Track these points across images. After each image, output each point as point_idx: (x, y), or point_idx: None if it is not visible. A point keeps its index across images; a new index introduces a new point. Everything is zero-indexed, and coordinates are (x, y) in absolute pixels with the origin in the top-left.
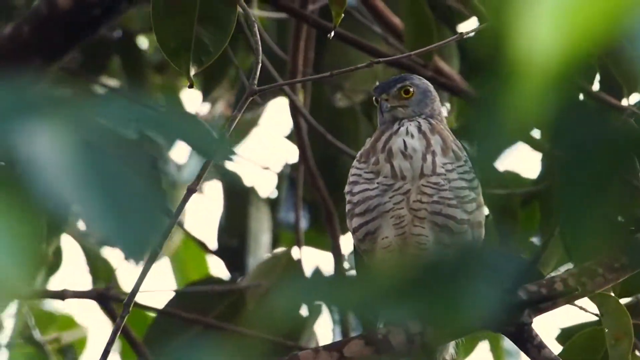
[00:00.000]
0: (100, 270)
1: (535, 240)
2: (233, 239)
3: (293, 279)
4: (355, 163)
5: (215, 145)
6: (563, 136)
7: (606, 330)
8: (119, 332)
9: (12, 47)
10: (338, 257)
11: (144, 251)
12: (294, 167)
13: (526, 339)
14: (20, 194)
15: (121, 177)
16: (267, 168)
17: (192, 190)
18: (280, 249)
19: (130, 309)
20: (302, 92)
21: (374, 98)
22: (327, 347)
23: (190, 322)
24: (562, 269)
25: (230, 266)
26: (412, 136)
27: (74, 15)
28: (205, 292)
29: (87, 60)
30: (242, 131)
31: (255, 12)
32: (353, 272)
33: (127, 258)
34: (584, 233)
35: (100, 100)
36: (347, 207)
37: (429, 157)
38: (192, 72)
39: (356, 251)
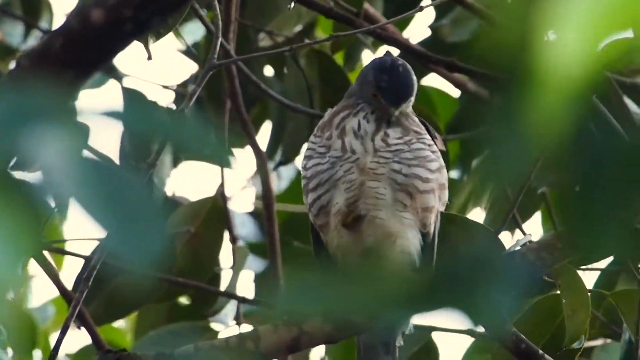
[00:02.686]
0: None
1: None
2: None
3: (294, 286)
4: (312, 137)
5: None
6: (582, 146)
7: (564, 301)
8: None
9: (42, 63)
10: (263, 170)
11: (151, 261)
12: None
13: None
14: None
15: (126, 185)
16: (167, 87)
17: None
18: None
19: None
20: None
21: (376, 96)
22: (286, 323)
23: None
24: (521, 243)
25: None
26: (368, 121)
27: (106, 30)
28: None
29: None
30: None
31: None
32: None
33: (135, 267)
34: (600, 239)
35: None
36: (302, 182)
37: (380, 137)
38: (151, 43)
39: (314, 230)
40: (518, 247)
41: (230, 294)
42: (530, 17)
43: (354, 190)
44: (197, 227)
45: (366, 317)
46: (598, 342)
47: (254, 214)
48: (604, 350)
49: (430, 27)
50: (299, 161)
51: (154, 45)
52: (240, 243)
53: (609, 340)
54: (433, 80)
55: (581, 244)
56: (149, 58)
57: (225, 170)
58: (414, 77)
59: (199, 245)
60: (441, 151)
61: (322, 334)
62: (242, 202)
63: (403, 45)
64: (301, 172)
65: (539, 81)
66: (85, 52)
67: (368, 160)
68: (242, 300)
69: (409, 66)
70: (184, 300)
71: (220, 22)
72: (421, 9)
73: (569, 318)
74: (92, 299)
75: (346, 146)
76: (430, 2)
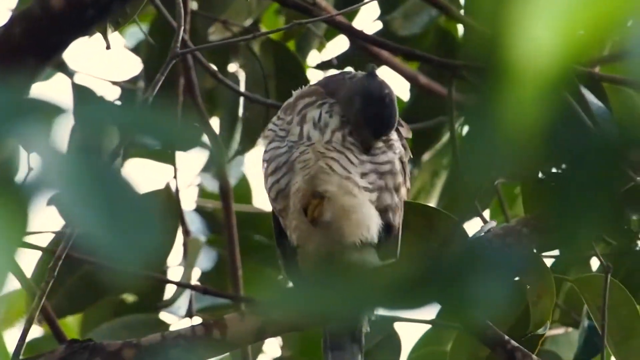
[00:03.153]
0: None
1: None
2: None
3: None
4: (274, 118)
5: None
6: (558, 139)
7: (528, 287)
8: None
9: (3, 49)
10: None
11: (141, 260)
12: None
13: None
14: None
15: (114, 182)
16: (116, 83)
17: None
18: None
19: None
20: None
21: (359, 124)
22: (252, 311)
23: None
24: (485, 229)
25: None
26: (331, 115)
27: (67, 15)
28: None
29: None
30: None
31: None
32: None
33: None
34: (581, 232)
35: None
36: (262, 165)
37: (340, 133)
38: (110, 33)
39: (275, 217)
40: (482, 234)
41: (192, 286)
42: (501, 9)
43: (309, 168)
44: None
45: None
46: (559, 330)
47: (199, 211)
48: (563, 338)
49: (382, 20)
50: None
51: (97, 42)
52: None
53: (569, 329)
54: (384, 73)
55: (560, 236)
56: (108, 47)
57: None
58: (397, 106)
59: None
60: (407, 138)
61: (288, 322)
62: (189, 198)
63: (360, 35)
64: (262, 156)
65: (511, 74)
66: (46, 38)
67: (322, 145)
68: (204, 291)
69: (394, 94)
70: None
71: (182, 11)
72: None
73: (533, 304)
74: (53, 292)
75: (303, 134)
76: None
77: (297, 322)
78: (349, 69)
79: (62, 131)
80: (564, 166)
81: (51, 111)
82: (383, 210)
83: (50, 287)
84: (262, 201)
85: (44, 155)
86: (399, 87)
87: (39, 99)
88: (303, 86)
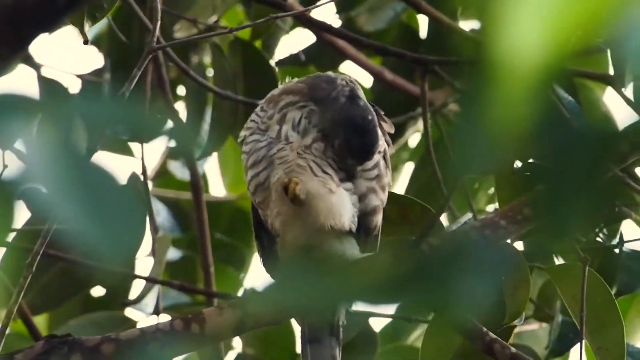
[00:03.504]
0: None
1: None
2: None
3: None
4: (258, 108)
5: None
6: (544, 135)
7: (503, 279)
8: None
9: None
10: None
11: (126, 253)
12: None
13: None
14: None
15: (99, 177)
16: (80, 76)
17: None
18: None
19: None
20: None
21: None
22: (231, 305)
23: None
24: (462, 221)
25: None
26: (310, 122)
27: (39, 5)
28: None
29: None
30: None
31: None
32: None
33: (108, 259)
34: (568, 225)
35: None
36: (242, 156)
37: (321, 144)
38: (87, 28)
39: (254, 209)
40: (460, 226)
41: (169, 283)
42: (489, 6)
43: (288, 163)
44: None
45: (319, 307)
46: (533, 326)
47: (165, 202)
48: (538, 333)
49: (345, 15)
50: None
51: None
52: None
53: (543, 325)
54: (347, 68)
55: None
56: (85, 42)
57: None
58: (378, 129)
59: None
60: (389, 134)
61: (266, 316)
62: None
63: (333, 30)
64: (242, 146)
65: (498, 71)
66: (17, 29)
67: (300, 147)
68: (180, 288)
69: (376, 120)
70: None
71: (159, 6)
72: None
73: (509, 296)
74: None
75: (281, 134)
76: None
77: (276, 315)
78: (331, 73)
79: (35, 125)
80: (546, 158)
81: (25, 105)
82: (370, 213)
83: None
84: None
85: (22, 150)
86: (364, 82)
87: (11, 94)
88: (274, 84)
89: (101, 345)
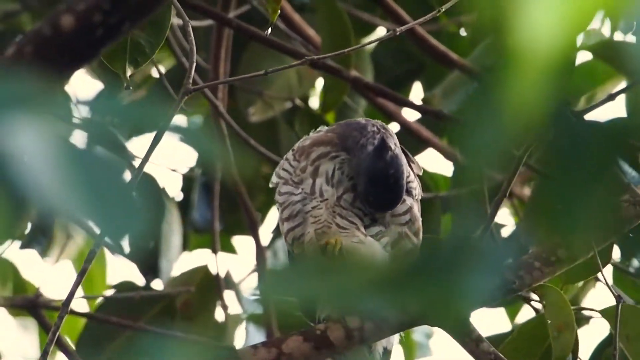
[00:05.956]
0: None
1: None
2: (146, 242)
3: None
4: (289, 155)
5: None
6: (557, 134)
7: (549, 322)
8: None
9: (14, 68)
10: (262, 264)
11: (125, 237)
12: (205, 170)
13: (464, 333)
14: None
15: (102, 167)
16: (174, 170)
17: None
18: (197, 265)
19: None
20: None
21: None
22: (265, 344)
23: (122, 327)
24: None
25: (143, 269)
26: (343, 172)
27: (77, 36)
28: (133, 297)
29: None
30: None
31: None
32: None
33: (111, 245)
34: (579, 229)
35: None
36: (276, 206)
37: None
38: (129, 73)
39: (290, 254)
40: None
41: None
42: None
43: (321, 224)
44: None
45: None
46: None
47: None
48: None
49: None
50: None
51: None
52: None
53: None
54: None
55: (564, 237)
56: (127, 87)
57: None
58: (403, 183)
59: None
60: (418, 175)
61: (300, 354)
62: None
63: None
64: (276, 195)
65: (514, 60)
66: (56, 58)
67: (334, 202)
68: None
69: (401, 172)
70: None
71: (194, 48)
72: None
73: (554, 339)
74: None
75: (315, 189)
76: None
77: (309, 353)
78: (362, 119)
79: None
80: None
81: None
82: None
83: None
84: None
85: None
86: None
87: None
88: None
89: None
